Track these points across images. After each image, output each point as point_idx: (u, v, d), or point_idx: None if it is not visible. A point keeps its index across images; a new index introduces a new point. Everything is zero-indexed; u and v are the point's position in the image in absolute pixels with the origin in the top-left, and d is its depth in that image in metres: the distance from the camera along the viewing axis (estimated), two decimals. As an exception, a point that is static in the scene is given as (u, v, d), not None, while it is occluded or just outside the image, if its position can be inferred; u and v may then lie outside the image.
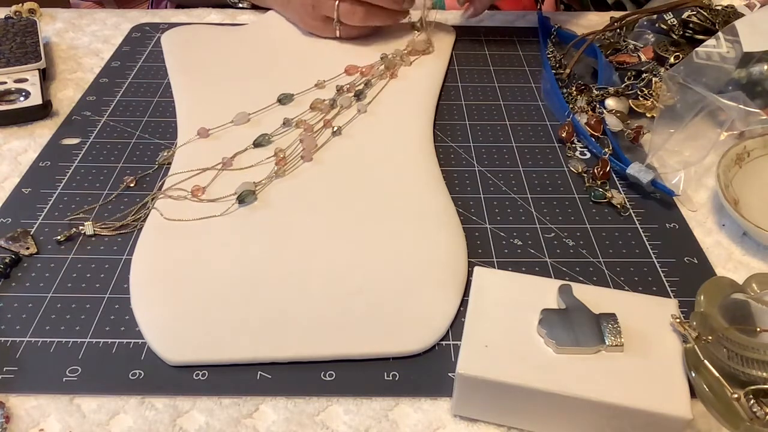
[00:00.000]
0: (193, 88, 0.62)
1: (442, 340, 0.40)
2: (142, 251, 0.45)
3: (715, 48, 0.57)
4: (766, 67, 0.57)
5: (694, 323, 0.35)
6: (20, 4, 0.72)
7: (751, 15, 0.63)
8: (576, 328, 0.34)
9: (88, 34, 0.73)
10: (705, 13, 0.65)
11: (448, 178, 0.52)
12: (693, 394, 0.33)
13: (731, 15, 0.65)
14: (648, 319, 0.36)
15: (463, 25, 0.74)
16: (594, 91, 0.60)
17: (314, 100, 0.59)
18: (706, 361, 0.33)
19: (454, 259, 0.44)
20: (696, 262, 0.46)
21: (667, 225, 0.49)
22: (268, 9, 0.74)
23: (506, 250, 0.46)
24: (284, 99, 0.59)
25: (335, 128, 0.56)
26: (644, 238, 0.47)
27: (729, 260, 0.46)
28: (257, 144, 0.54)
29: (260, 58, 0.66)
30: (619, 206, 0.50)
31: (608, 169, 0.53)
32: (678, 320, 0.35)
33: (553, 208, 0.50)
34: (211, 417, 0.36)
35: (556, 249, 0.46)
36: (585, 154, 0.56)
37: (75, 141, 0.56)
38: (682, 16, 0.65)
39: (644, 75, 0.60)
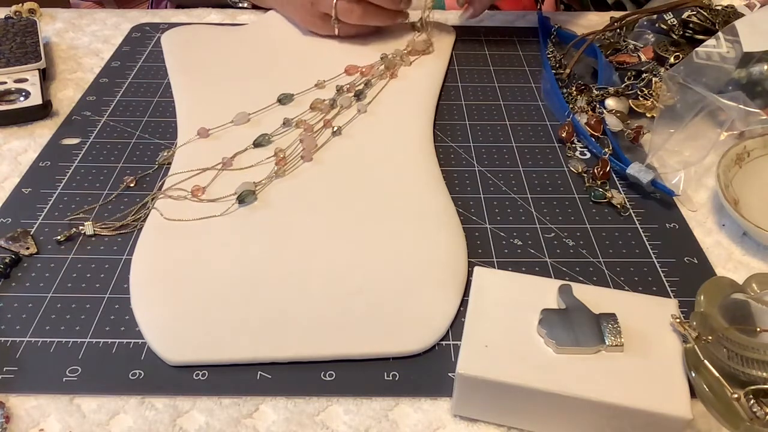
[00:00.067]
0: (193, 88, 0.62)
1: (442, 340, 0.40)
2: (142, 251, 0.45)
3: (715, 48, 0.57)
4: (766, 67, 0.57)
5: (694, 323, 0.35)
6: (20, 4, 0.72)
7: (751, 15, 0.63)
8: (576, 328, 0.34)
9: (88, 34, 0.73)
10: (705, 13, 0.65)
11: (448, 178, 0.52)
12: (693, 394, 0.33)
13: (731, 15, 0.65)
14: (648, 319, 0.36)
15: (463, 25, 0.74)
16: (594, 91, 0.60)
17: (314, 100, 0.59)
18: (706, 361, 0.33)
19: (454, 259, 0.44)
20: (696, 262, 0.46)
21: (667, 225, 0.49)
22: (268, 9, 0.74)
23: (506, 250, 0.46)
24: (284, 99, 0.59)
25: (335, 128, 0.56)
26: (644, 238, 0.47)
27: (729, 260, 0.46)
28: (257, 144, 0.54)
29: (260, 58, 0.66)
30: (619, 206, 0.50)
31: (608, 169, 0.53)
32: (678, 320, 0.35)
33: (553, 208, 0.50)
34: (211, 417, 0.36)
35: (556, 249, 0.46)
36: (585, 154, 0.56)
37: (75, 141, 0.56)
38: (682, 16, 0.65)
39: (644, 75, 0.60)
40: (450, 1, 0.81)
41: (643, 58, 0.63)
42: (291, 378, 0.38)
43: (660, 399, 0.32)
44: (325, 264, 0.44)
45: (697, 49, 0.58)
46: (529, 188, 0.52)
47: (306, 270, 0.43)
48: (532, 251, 0.46)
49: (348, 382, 0.37)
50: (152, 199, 0.49)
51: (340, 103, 0.59)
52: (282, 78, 0.63)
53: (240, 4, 0.78)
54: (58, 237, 0.46)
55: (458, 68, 0.67)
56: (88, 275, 0.43)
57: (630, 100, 0.59)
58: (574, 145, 0.57)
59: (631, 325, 0.35)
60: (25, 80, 0.60)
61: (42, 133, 0.57)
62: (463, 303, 0.42)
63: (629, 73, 0.61)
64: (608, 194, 0.50)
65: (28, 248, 0.45)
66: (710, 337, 0.34)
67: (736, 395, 0.32)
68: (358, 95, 0.60)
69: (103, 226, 0.47)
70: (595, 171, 0.52)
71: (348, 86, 0.61)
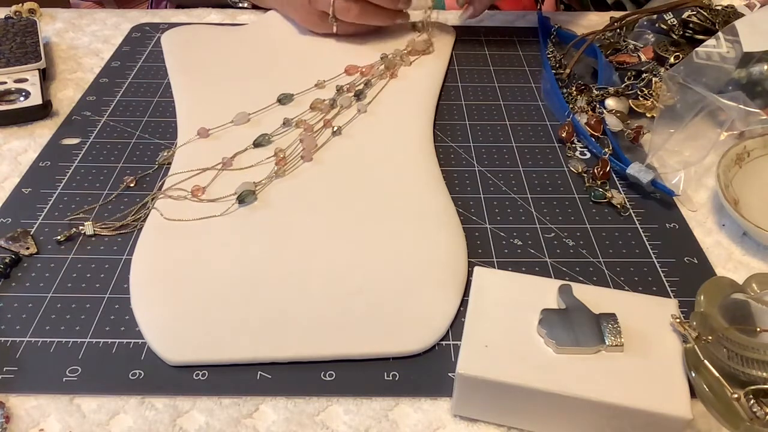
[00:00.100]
0: (193, 88, 0.62)
1: (442, 340, 0.40)
2: (142, 251, 0.45)
3: (715, 48, 0.57)
4: (766, 67, 0.57)
5: (694, 323, 0.35)
6: (20, 4, 0.72)
7: (751, 15, 0.63)
8: (576, 328, 0.34)
9: (88, 34, 0.73)
10: (705, 13, 0.65)
11: (448, 178, 0.52)
12: (693, 394, 0.33)
13: (731, 15, 0.65)
14: (648, 319, 0.36)
15: (463, 25, 0.74)
16: (594, 91, 0.60)
17: (314, 100, 0.59)
18: (706, 361, 0.33)
19: (454, 259, 0.44)
20: (696, 262, 0.46)
21: (667, 225, 0.49)
22: (268, 9, 0.74)
23: (506, 250, 0.46)
24: (284, 99, 0.59)
25: (335, 128, 0.56)
26: (644, 238, 0.47)
27: (729, 260, 0.46)
28: (257, 144, 0.54)
29: (260, 58, 0.66)
30: (619, 206, 0.50)
31: (608, 169, 0.53)
32: (678, 320, 0.35)
33: (553, 208, 0.50)
34: (211, 417, 0.36)
35: (556, 249, 0.46)
36: (585, 154, 0.56)
37: (75, 141, 0.56)
38: (682, 16, 0.65)
39: (644, 75, 0.60)
40: (450, 1, 0.81)
41: (643, 58, 0.63)
42: (291, 378, 0.38)
43: (660, 399, 0.32)
44: (325, 264, 0.44)
45: (697, 49, 0.58)
46: (529, 188, 0.52)
47: (306, 270, 0.43)
48: (532, 251, 0.46)
49: (348, 382, 0.37)
50: (152, 199, 0.49)
51: (340, 103, 0.59)
52: (282, 78, 0.63)
53: (240, 4, 0.78)
54: (58, 237, 0.46)
55: (458, 68, 0.67)
56: (88, 275, 0.43)
57: (630, 100, 0.59)
58: (574, 145, 0.57)
59: (631, 325, 0.35)
60: (25, 80, 0.60)
61: (42, 133, 0.57)
62: (463, 303, 0.42)
63: (629, 73, 0.61)
64: (608, 194, 0.50)
65: (28, 248, 0.45)
66: (710, 337, 0.34)
67: (736, 395, 0.32)
68: (358, 95, 0.60)
69: (103, 226, 0.47)
70: (595, 171, 0.52)
71: (348, 86, 0.61)
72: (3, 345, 0.39)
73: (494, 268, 0.45)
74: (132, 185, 0.51)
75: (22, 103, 0.58)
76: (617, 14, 0.70)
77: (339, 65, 0.63)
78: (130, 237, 0.46)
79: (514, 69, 0.68)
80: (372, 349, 0.38)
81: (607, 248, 0.46)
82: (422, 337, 0.39)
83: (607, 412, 0.33)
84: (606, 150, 0.54)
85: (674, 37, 0.65)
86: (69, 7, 0.87)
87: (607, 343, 0.34)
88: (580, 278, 0.44)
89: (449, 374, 0.38)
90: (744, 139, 0.52)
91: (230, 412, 0.36)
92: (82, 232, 0.46)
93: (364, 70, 0.63)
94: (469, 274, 0.42)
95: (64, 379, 0.37)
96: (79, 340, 0.39)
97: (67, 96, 0.62)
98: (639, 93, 0.59)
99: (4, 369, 0.38)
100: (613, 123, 0.56)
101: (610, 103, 0.58)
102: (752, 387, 0.32)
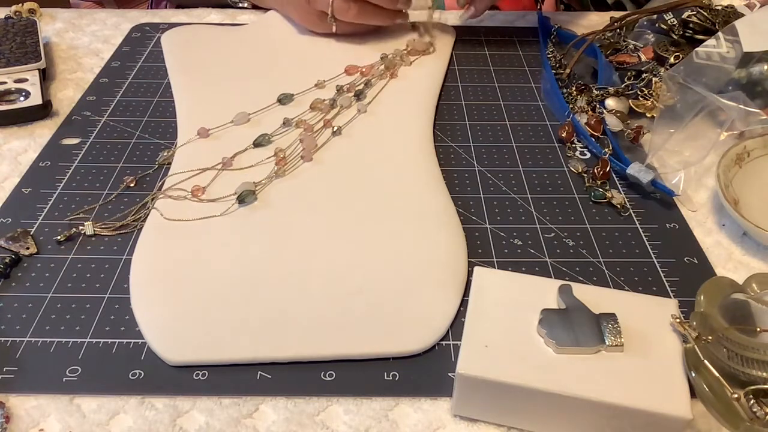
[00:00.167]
0: (193, 88, 0.62)
1: (442, 340, 0.40)
2: (142, 251, 0.45)
3: (715, 48, 0.57)
4: (766, 67, 0.57)
5: (694, 323, 0.35)
6: (20, 4, 0.72)
7: (751, 15, 0.63)
8: (576, 328, 0.34)
9: (88, 34, 0.73)
10: (705, 13, 0.65)
11: (448, 178, 0.52)
12: (693, 394, 0.33)
13: (731, 15, 0.65)
14: (648, 319, 0.36)
15: (463, 25, 0.74)
16: (594, 91, 0.60)
17: (314, 100, 0.59)
18: (706, 361, 0.33)
19: (454, 259, 0.44)
20: (696, 262, 0.46)
21: (667, 225, 0.49)
22: (268, 9, 0.74)
23: (506, 250, 0.46)
24: (284, 99, 0.59)
25: (335, 128, 0.56)
26: (644, 238, 0.47)
27: (729, 260, 0.46)
28: (257, 144, 0.54)
29: (260, 58, 0.66)
30: (619, 206, 0.50)
31: (608, 169, 0.53)
32: (678, 320, 0.35)
33: (553, 208, 0.50)
34: (211, 417, 0.36)
35: (556, 249, 0.46)
36: (585, 154, 0.56)
37: (75, 141, 0.56)
38: (682, 16, 0.65)
39: (644, 75, 0.60)
40: (450, 1, 0.81)
41: (643, 58, 0.63)
42: (291, 378, 0.38)
43: (660, 399, 0.32)
44: (325, 264, 0.44)
45: (697, 49, 0.58)
46: (529, 188, 0.52)
47: (306, 270, 0.43)
48: (532, 251, 0.46)
49: (348, 382, 0.37)
50: (152, 199, 0.49)
51: (340, 103, 0.59)
52: (282, 78, 0.63)
53: (240, 4, 0.78)
54: (58, 237, 0.46)
55: (458, 68, 0.67)
56: (88, 275, 0.43)
57: (630, 100, 0.59)
58: (574, 145, 0.57)
59: (631, 325, 0.35)
60: (25, 80, 0.60)
61: (42, 133, 0.57)
62: (463, 303, 0.42)
63: (629, 73, 0.61)
64: (608, 194, 0.50)
65: (28, 248, 0.45)
66: (710, 337, 0.34)
67: (736, 395, 0.32)
68: (358, 95, 0.60)
69: (103, 226, 0.47)
70: (595, 171, 0.52)
71: (348, 86, 0.61)
72: (3, 345, 0.39)
73: (494, 268, 0.45)
74: (132, 185, 0.51)
75: (22, 103, 0.58)
76: (617, 14, 0.70)
77: (339, 65, 0.63)
78: (130, 237, 0.46)
79: (514, 69, 0.68)
80: (372, 349, 0.38)
81: (607, 248, 0.46)
82: (422, 337, 0.39)
83: (607, 412, 0.33)
84: (606, 150, 0.54)
85: (674, 37, 0.65)
86: (69, 7, 0.87)
87: (607, 343, 0.34)
88: (580, 278, 0.44)
89: (449, 374, 0.38)
90: (744, 139, 0.52)
91: (230, 412, 0.36)
92: (82, 232, 0.46)
93: (364, 70, 0.63)
94: (469, 274, 0.42)
95: (64, 379, 0.37)
96: (79, 340, 0.39)
97: (67, 96, 0.62)
98: (639, 93, 0.59)
99: (4, 369, 0.38)
100: (613, 123, 0.56)
101: (610, 103, 0.58)
102: (752, 387, 0.32)
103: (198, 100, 0.60)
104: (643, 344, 0.34)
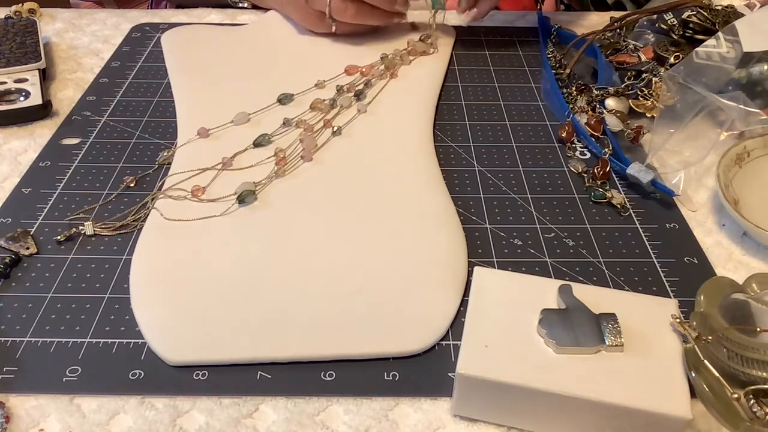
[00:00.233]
0: (193, 88, 0.62)
1: (442, 340, 0.40)
2: (142, 251, 0.45)
3: (715, 48, 0.57)
4: (766, 67, 0.57)
5: (694, 323, 0.35)
6: (20, 4, 0.72)
7: (751, 15, 0.63)
8: (576, 328, 0.34)
9: (88, 34, 0.73)
10: (705, 13, 0.65)
11: (448, 178, 0.52)
12: (693, 394, 0.33)
13: (731, 15, 0.65)
14: (648, 319, 0.36)
15: (464, 25, 0.74)
16: (594, 91, 0.60)
17: (314, 100, 0.59)
18: (706, 361, 0.33)
19: (454, 259, 0.44)
20: (696, 262, 0.46)
21: (667, 225, 0.49)
22: (268, 9, 0.74)
23: (506, 250, 0.46)
24: (284, 99, 0.59)
25: (335, 128, 0.56)
26: (644, 238, 0.47)
27: (729, 260, 0.46)
28: (257, 144, 0.54)
29: (260, 58, 0.66)
30: (619, 206, 0.50)
31: (608, 169, 0.53)
32: (678, 320, 0.35)
33: (553, 208, 0.50)
34: (211, 417, 0.36)
35: (556, 249, 0.46)
36: (585, 154, 0.56)
37: (75, 141, 0.56)
38: (682, 16, 0.65)
39: (644, 75, 0.60)
40: (450, 1, 0.81)
41: (643, 58, 0.63)
42: (291, 378, 0.38)
43: (660, 399, 0.32)
44: (325, 264, 0.44)
45: (697, 49, 0.58)
46: (529, 188, 0.52)
47: (306, 270, 0.43)
48: (532, 251, 0.46)
49: (348, 382, 0.37)
50: (152, 199, 0.49)
51: (340, 103, 0.59)
52: (282, 78, 0.63)
53: (240, 4, 0.78)
54: (58, 237, 0.46)
55: (458, 68, 0.67)
56: (88, 275, 0.43)
57: (630, 100, 0.59)
58: (574, 145, 0.57)
59: (631, 325, 0.35)
60: (25, 80, 0.60)
61: (42, 133, 0.57)
62: (463, 303, 0.42)
63: (629, 73, 0.61)
64: (608, 194, 0.50)
65: (28, 248, 0.45)
66: (710, 337, 0.34)
67: (736, 395, 0.32)
68: (358, 95, 0.60)
69: (103, 226, 0.47)
70: (595, 171, 0.52)
71: (348, 86, 0.61)
72: (3, 345, 0.39)
73: (494, 268, 0.45)
74: (132, 185, 0.51)
75: (22, 103, 0.58)
76: (617, 14, 0.70)
77: (339, 65, 0.63)
78: (130, 237, 0.46)
79: (514, 69, 0.68)
80: (372, 349, 0.38)
81: (607, 248, 0.46)
82: (422, 337, 0.39)
83: (607, 412, 0.33)
84: (606, 150, 0.54)
85: (674, 37, 0.65)
86: (69, 7, 0.87)
87: (607, 343, 0.34)
88: (580, 278, 0.44)
89: (449, 374, 0.38)
90: (744, 139, 0.52)
91: (230, 412, 0.36)
92: (82, 232, 0.46)
93: (364, 70, 0.63)
94: (469, 274, 0.42)
95: (64, 379, 0.37)
96: (79, 340, 0.39)
97: (67, 96, 0.62)
98: (639, 93, 0.59)
99: (4, 369, 0.38)
100: (613, 123, 0.56)
101: (610, 103, 0.58)
102: (752, 387, 0.32)
103: (198, 100, 0.60)
104: (643, 344, 0.35)
